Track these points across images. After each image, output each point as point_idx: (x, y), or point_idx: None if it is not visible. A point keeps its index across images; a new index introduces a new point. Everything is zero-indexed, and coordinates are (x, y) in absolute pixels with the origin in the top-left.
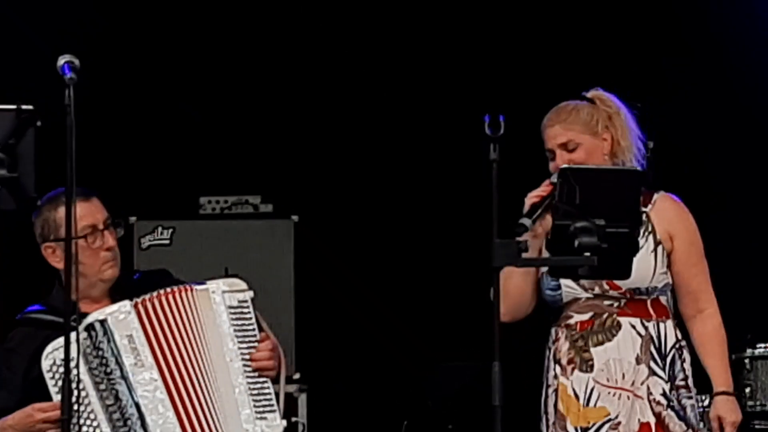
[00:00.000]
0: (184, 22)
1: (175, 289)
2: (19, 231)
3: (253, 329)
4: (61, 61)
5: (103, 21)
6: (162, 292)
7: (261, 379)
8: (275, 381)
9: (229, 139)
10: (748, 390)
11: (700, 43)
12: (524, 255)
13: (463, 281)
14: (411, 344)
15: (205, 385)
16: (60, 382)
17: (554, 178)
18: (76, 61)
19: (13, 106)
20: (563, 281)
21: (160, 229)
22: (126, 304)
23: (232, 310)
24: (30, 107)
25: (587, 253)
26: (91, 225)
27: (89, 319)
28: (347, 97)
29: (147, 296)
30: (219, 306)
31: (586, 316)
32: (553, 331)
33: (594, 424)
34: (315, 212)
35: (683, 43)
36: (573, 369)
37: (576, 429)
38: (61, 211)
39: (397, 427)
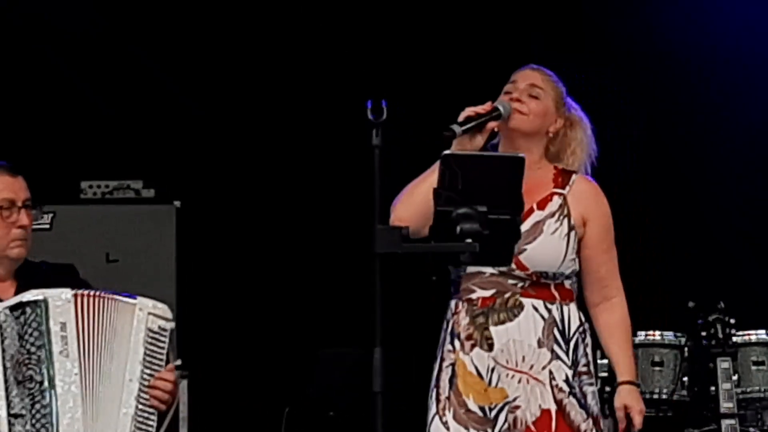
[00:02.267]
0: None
1: (111, 295)
2: None
3: (162, 359)
4: None
5: None
6: (101, 293)
7: (149, 409)
8: (162, 417)
9: (111, 122)
10: None
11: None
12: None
13: (344, 268)
14: (293, 331)
15: (100, 394)
16: None
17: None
18: None
19: None
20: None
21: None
22: (67, 292)
23: (151, 333)
24: None
25: (469, 240)
26: (9, 199)
27: (27, 297)
28: (229, 82)
29: (87, 292)
30: (140, 324)
31: (488, 293)
32: (452, 303)
33: (495, 405)
34: (197, 198)
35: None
36: (472, 346)
37: (479, 407)
38: None
39: (279, 414)
